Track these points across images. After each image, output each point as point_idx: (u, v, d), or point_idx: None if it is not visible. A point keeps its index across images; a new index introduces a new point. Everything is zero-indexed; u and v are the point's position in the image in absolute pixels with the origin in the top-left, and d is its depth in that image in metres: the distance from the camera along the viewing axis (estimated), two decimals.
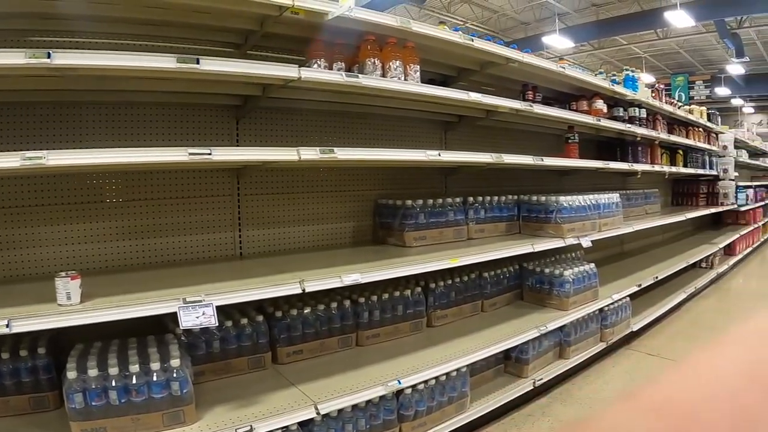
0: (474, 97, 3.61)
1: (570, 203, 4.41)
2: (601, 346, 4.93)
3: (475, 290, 4.32)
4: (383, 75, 3.29)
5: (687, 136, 7.89)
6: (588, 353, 4.73)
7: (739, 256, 10.17)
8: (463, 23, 19.97)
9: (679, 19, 16.12)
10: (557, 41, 19.32)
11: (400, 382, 3.02)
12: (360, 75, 3.05)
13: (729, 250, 9.65)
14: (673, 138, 7.09)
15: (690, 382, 4.67)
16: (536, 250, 4.05)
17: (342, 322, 3.47)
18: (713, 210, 8.91)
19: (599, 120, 5.07)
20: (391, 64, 3.31)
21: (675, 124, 7.58)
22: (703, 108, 9.03)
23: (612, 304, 4.99)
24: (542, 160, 4.23)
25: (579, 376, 4.70)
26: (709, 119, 9.02)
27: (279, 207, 3.82)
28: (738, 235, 9.81)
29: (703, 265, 8.53)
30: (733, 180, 9.31)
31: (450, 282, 4.11)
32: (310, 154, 2.78)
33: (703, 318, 6.73)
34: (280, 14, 2.90)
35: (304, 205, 3.94)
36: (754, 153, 13.58)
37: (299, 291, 2.73)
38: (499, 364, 4.11)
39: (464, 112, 4.49)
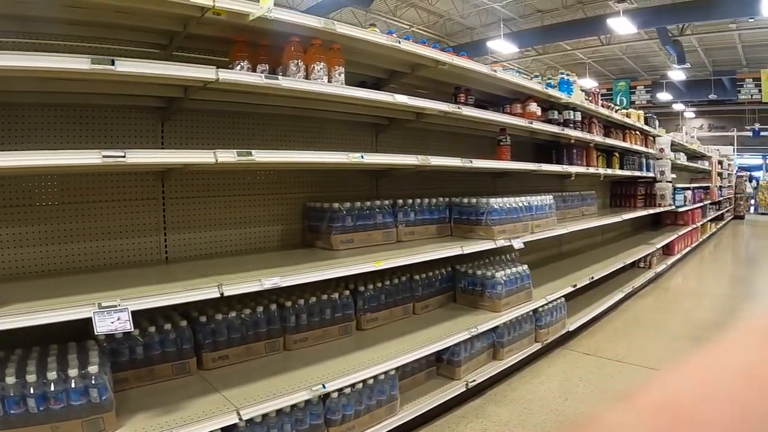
0: (399, 99, 3.63)
1: (501, 205, 4.46)
2: (537, 346, 5.02)
3: (406, 293, 4.33)
4: (307, 77, 3.29)
5: (624, 139, 8.11)
6: (522, 354, 4.81)
7: (678, 256, 10.51)
8: (409, 27, 20.15)
9: (622, 26, 16.67)
10: (502, 46, 19.68)
11: (324, 386, 3.01)
12: (280, 77, 3.05)
13: (667, 250, 9.96)
14: (609, 141, 7.27)
15: (624, 380, 4.78)
16: (465, 252, 4.09)
17: (269, 326, 3.44)
18: (651, 211, 9.18)
19: (531, 123, 5.15)
20: (315, 65, 3.32)
21: (612, 127, 7.77)
22: (641, 112, 9.29)
23: (546, 304, 5.09)
24: (471, 162, 4.28)
25: (514, 377, 4.77)
26: (646, 123, 9.29)
27: (206, 210, 3.77)
28: (676, 236, 10.15)
29: (642, 265, 8.78)
30: (670, 182, 9.60)
31: (380, 285, 4.13)
32: (227, 156, 2.76)
33: (641, 317, 6.93)
34: (202, 15, 2.87)
35: (233, 209, 3.90)
36: (693, 156, 14.04)
37: (217, 295, 2.70)
38: (431, 367, 4.14)
39: (394, 114, 4.52)
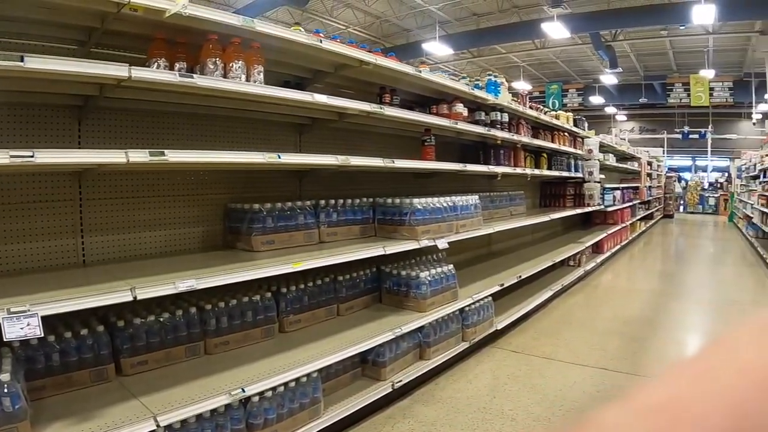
0: (319, 98, 3.66)
1: (424, 205, 4.54)
2: (464, 345, 5.14)
3: (329, 294, 4.38)
4: (225, 75, 3.31)
5: (552, 141, 8.37)
6: (450, 353, 4.91)
7: (607, 254, 10.92)
8: (346, 28, 20.22)
9: (556, 30, 17.21)
10: (437, 48, 20.03)
11: (244, 390, 3.03)
12: (195, 75, 3.05)
13: (597, 248, 10.33)
14: (537, 142, 7.50)
15: (552, 376, 4.96)
16: (388, 252, 4.17)
17: (189, 330, 3.43)
18: (579, 211, 9.51)
19: (456, 123, 5.27)
20: (233, 64, 3.33)
21: (540, 128, 8.03)
22: (570, 114, 9.61)
23: (473, 304, 5.22)
24: (393, 162, 4.36)
25: (442, 376, 4.87)
26: (575, 124, 9.61)
27: (125, 212, 3.71)
28: (605, 234, 10.54)
29: (571, 263, 9.08)
30: (598, 182, 9.94)
31: (302, 286, 4.16)
32: (139, 156, 2.74)
33: (570, 314, 7.18)
34: (118, 11, 2.84)
35: (152, 210, 3.86)
36: (623, 157, 14.55)
37: (130, 299, 2.68)
38: (356, 368, 4.19)
39: (316, 114, 4.54)
